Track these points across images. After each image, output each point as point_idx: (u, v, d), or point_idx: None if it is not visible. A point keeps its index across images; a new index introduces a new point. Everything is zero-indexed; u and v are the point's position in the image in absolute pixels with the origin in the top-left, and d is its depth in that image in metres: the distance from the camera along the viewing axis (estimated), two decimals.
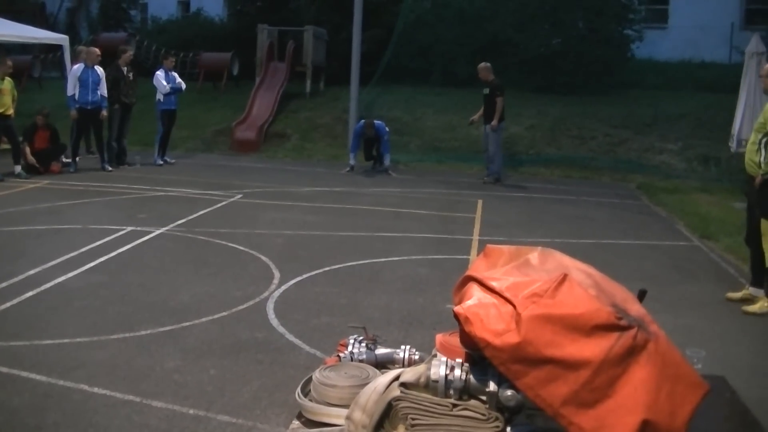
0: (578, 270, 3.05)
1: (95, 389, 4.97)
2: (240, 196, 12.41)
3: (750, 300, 7.35)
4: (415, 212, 11.67)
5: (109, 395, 4.89)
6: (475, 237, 10.00)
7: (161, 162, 15.91)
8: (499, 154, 15.18)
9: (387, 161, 15.98)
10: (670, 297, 7.40)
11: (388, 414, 3.17)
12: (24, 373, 5.17)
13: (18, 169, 13.59)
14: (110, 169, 14.83)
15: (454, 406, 2.99)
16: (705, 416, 4.32)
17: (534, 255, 3.25)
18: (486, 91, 14.89)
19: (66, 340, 5.83)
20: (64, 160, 14.75)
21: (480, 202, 12.64)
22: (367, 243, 9.46)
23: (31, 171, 13.86)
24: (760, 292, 7.34)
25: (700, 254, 9.70)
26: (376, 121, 15.98)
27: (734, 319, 7.02)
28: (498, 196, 13.61)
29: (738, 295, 7.51)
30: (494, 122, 14.63)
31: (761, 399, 4.91)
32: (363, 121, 16.11)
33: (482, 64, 15.02)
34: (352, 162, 16.02)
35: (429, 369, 3.06)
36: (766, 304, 7.13)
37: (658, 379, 2.81)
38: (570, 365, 2.73)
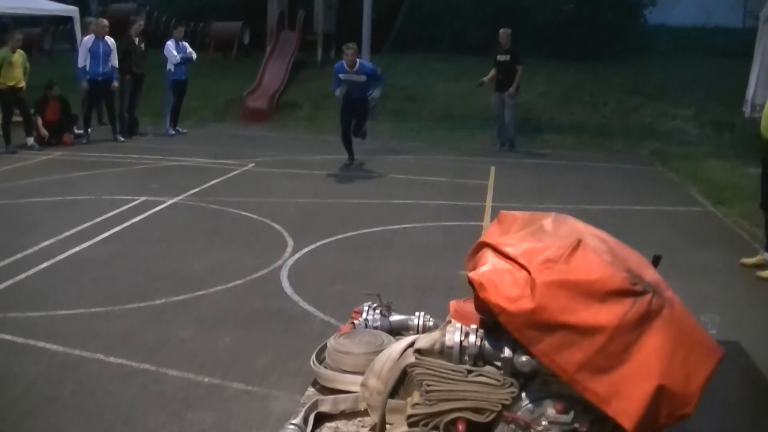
0: (592, 236, 3.02)
1: (111, 359, 5.02)
2: (252, 165, 12.42)
3: (764, 266, 7.33)
4: (427, 179, 11.66)
5: (125, 364, 4.94)
6: (488, 204, 9.99)
7: (173, 132, 15.91)
8: (512, 121, 15.10)
9: (377, 93, 13.10)
10: (684, 263, 7.37)
11: (403, 381, 3.17)
12: (40, 344, 5.22)
13: (30, 141, 13.61)
14: (122, 139, 14.84)
15: (469, 372, 2.98)
16: (720, 382, 4.31)
17: (548, 221, 3.21)
18: (505, 57, 14.71)
19: (81, 311, 5.87)
20: (76, 131, 14.77)
21: (492, 169, 12.61)
22: (379, 210, 9.47)
23: (43, 143, 13.89)
24: None
25: (714, 220, 9.67)
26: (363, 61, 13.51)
27: (749, 284, 7.02)
28: (510, 163, 13.59)
29: (752, 260, 7.49)
30: (512, 89, 14.54)
31: None
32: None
33: (504, 30, 14.82)
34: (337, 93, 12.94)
35: (443, 335, 3.04)
36: None
37: (673, 345, 2.79)
38: (584, 331, 2.71)
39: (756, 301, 6.55)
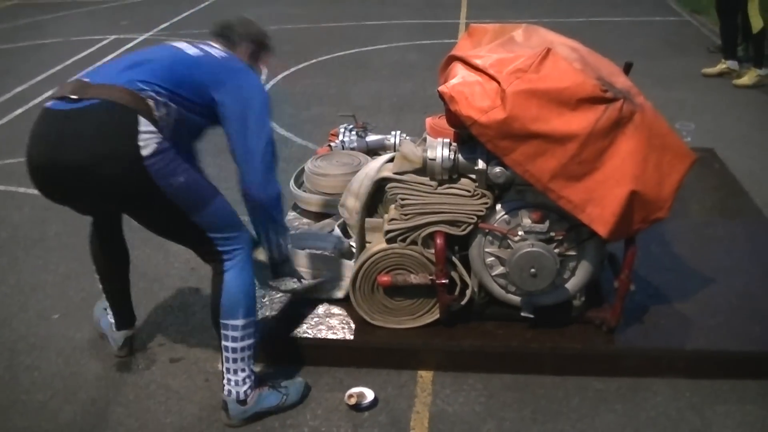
0: (563, 45, 3.00)
1: None
2: None
3: (729, 73, 7.25)
4: None
5: None
6: (462, 20, 9.86)
7: None
8: None
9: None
10: (661, 71, 7.34)
11: (380, 198, 3.21)
12: (21, 189, 5.22)
13: None
14: None
15: (440, 184, 3.04)
16: (694, 187, 4.40)
17: (518, 32, 3.19)
18: None
19: None
20: None
21: None
22: (353, 32, 9.35)
23: None
24: (736, 64, 7.25)
25: (691, 29, 9.55)
26: None
27: (724, 92, 6.97)
28: None
29: (715, 70, 7.38)
30: None
31: (749, 170, 4.98)
32: None
33: None
34: None
35: (423, 151, 3.08)
36: (755, 75, 7.05)
37: (645, 150, 2.82)
38: (557, 139, 2.73)
39: (731, 108, 6.53)
